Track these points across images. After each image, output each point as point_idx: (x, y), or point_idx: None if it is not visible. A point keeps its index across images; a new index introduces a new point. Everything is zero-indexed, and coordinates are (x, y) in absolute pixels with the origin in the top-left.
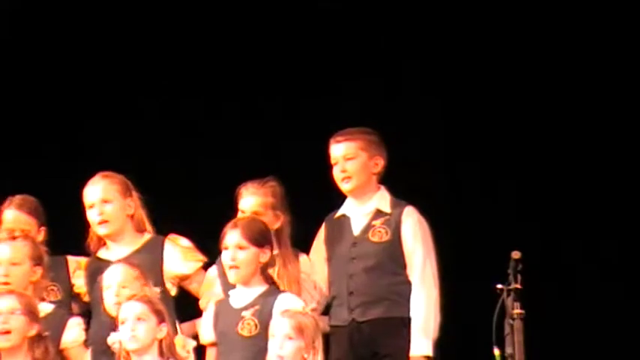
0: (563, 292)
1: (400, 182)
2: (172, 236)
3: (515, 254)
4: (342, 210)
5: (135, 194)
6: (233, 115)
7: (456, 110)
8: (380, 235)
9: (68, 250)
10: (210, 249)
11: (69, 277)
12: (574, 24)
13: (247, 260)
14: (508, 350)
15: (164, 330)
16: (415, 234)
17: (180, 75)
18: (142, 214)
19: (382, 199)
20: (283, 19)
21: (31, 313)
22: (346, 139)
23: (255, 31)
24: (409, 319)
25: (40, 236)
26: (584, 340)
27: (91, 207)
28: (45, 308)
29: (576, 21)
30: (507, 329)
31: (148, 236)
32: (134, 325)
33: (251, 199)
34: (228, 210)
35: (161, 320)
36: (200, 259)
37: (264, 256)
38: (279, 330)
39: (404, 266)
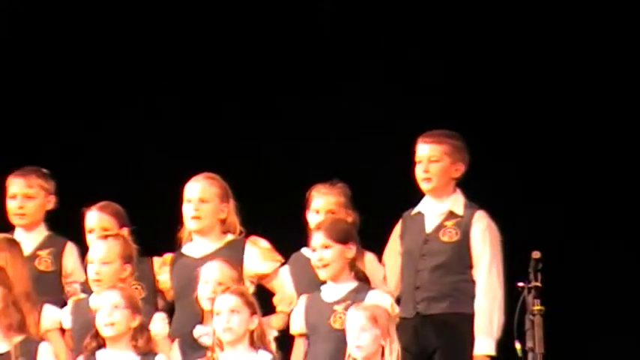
0: (581, 289)
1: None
2: (253, 238)
3: (536, 254)
4: (419, 207)
5: (231, 201)
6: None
7: (470, 108)
8: (450, 235)
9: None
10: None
11: (154, 276)
12: (571, 24)
13: (334, 257)
14: (529, 344)
15: (256, 321)
16: (484, 237)
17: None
18: (235, 220)
19: (456, 202)
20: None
21: (133, 307)
22: (433, 141)
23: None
24: (470, 316)
25: None
26: (601, 335)
27: (188, 202)
28: None
29: (573, 20)
30: (528, 324)
31: (230, 237)
32: (229, 317)
33: (325, 199)
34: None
35: (253, 312)
36: (278, 259)
37: (350, 251)
38: (354, 323)
39: (470, 266)
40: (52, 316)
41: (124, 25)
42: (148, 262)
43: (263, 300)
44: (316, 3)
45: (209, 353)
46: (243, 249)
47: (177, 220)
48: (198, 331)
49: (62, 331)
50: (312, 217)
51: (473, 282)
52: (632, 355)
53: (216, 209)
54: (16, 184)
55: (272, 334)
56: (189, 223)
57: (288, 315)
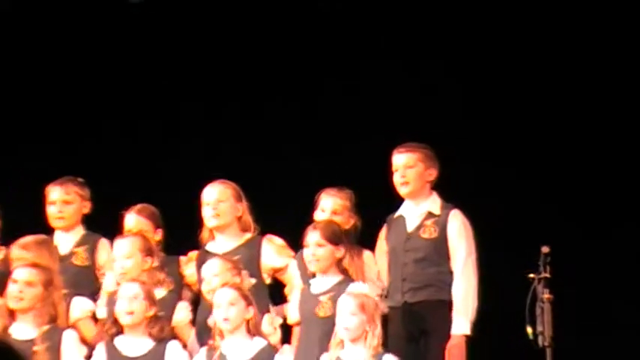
0: (586, 280)
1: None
2: (269, 236)
3: (545, 249)
4: (400, 211)
5: (244, 201)
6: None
7: (486, 108)
8: (429, 232)
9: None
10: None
11: (180, 272)
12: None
13: (325, 255)
14: (539, 328)
15: (251, 312)
16: (460, 233)
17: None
18: (248, 218)
19: (433, 203)
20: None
21: (150, 298)
22: (407, 150)
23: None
24: (450, 302)
25: (157, 236)
26: (604, 320)
27: (207, 204)
28: (159, 294)
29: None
30: (538, 311)
31: (248, 235)
32: (227, 309)
33: (332, 200)
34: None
35: (249, 304)
36: (291, 255)
37: (339, 252)
38: (345, 307)
39: (448, 259)
40: (82, 307)
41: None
42: (175, 261)
43: (278, 291)
44: (316, 3)
45: (211, 341)
46: (260, 246)
47: (197, 223)
48: (211, 320)
49: (95, 320)
50: (318, 215)
51: (451, 272)
52: (633, 336)
53: (232, 208)
54: (55, 192)
55: (277, 321)
56: (210, 222)
57: None
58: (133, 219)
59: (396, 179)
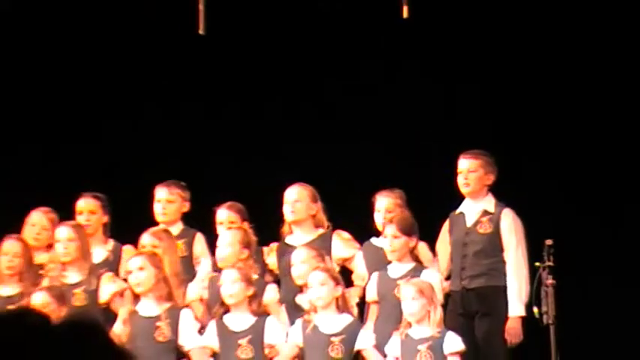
0: (584, 267)
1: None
2: (338, 231)
3: (548, 242)
4: (460, 208)
5: (319, 202)
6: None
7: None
8: (485, 228)
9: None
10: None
11: (263, 260)
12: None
13: (400, 246)
14: (544, 309)
15: (339, 290)
16: (510, 228)
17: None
18: (322, 216)
19: (489, 203)
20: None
21: (247, 280)
22: (471, 157)
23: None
24: (502, 288)
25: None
26: (600, 302)
27: (287, 203)
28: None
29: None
30: (543, 294)
31: (321, 230)
32: (318, 288)
33: (385, 201)
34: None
35: (337, 283)
36: (356, 246)
37: (412, 242)
38: (407, 294)
39: (501, 250)
40: (194, 291)
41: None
42: (259, 251)
43: (345, 277)
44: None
45: (306, 316)
46: (330, 239)
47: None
48: (300, 299)
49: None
50: (376, 215)
51: (504, 262)
52: (624, 315)
53: (307, 207)
54: (161, 192)
55: (354, 300)
56: (287, 216)
57: (362, 288)
58: (224, 213)
59: (460, 180)
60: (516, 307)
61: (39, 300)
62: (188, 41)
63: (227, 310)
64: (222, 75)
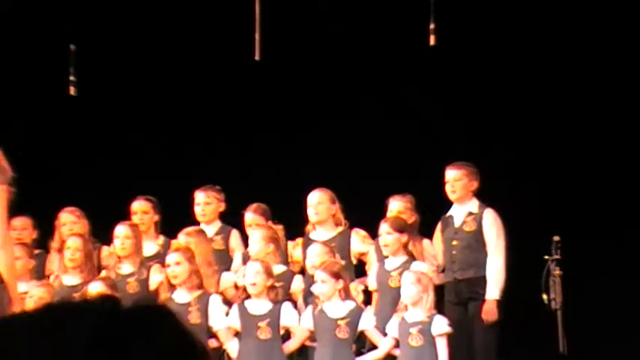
0: (587, 260)
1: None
2: (355, 229)
3: (556, 238)
4: (450, 212)
5: (337, 204)
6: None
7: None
8: (470, 226)
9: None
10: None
11: (287, 253)
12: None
13: (392, 241)
14: (552, 296)
15: (341, 283)
16: (491, 225)
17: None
18: (340, 216)
19: (473, 205)
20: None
21: (268, 272)
22: (456, 167)
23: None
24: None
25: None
26: (601, 290)
27: (310, 206)
28: (279, 269)
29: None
30: (551, 283)
31: (340, 228)
32: (321, 285)
33: (397, 204)
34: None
35: (337, 278)
36: (371, 243)
37: (403, 238)
38: (407, 280)
39: (484, 245)
40: (227, 279)
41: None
42: (286, 245)
43: (361, 268)
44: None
45: (317, 300)
46: (349, 236)
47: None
48: (313, 288)
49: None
50: (389, 215)
51: (487, 255)
52: (623, 305)
53: (327, 208)
54: (199, 196)
55: (360, 287)
56: (311, 218)
57: None
58: (250, 216)
59: (448, 189)
60: (493, 292)
61: (95, 289)
62: (245, 67)
63: (248, 297)
64: (270, 94)
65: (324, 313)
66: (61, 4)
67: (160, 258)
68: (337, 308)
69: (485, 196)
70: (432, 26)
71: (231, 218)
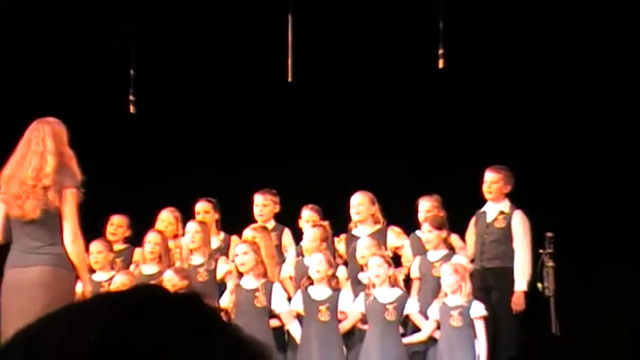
0: (577, 253)
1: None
2: (392, 227)
3: (549, 234)
4: (484, 208)
5: (376, 204)
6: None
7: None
8: (500, 223)
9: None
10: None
11: (334, 247)
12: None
13: (433, 237)
14: (545, 285)
15: (391, 271)
16: (519, 225)
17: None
18: (379, 215)
19: (505, 205)
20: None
21: (329, 263)
22: (494, 171)
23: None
24: (511, 269)
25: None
26: (591, 279)
27: (353, 206)
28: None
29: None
30: (545, 274)
31: (378, 226)
32: (376, 269)
33: (425, 204)
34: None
35: (390, 265)
36: (405, 238)
37: (443, 234)
38: (446, 271)
39: (512, 240)
40: (286, 271)
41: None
42: (332, 240)
43: (396, 260)
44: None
45: (366, 290)
46: (386, 233)
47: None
48: (361, 276)
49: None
50: (420, 215)
51: (513, 250)
52: (609, 293)
53: (367, 209)
54: (257, 199)
55: (401, 277)
56: (353, 217)
57: (408, 268)
58: (307, 213)
59: (485, 189)
60: (521, 284)
61: (167, 277)
62: (279, 88)
63: (311, 283)
64: (302, 112)
65: (375, 299)
66: (123, 35)
67: (220, 251)
68: (386, 294)
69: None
70: (440, 51)
71: (284, 217)
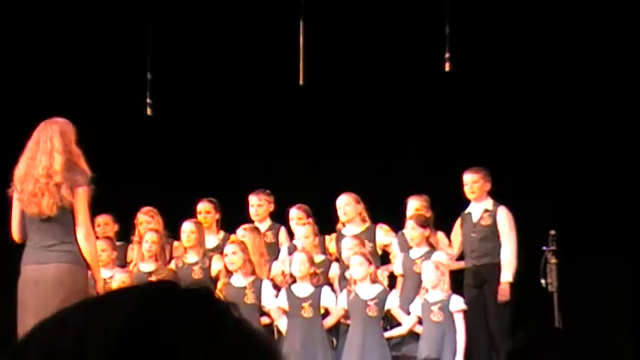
0: (578, 251)
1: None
2: (380, 224)
3: (552, 232)
4: (468, 209)
5: (362, 204)
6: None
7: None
8: (486, 221)
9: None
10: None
11: (324, 245)
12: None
13: (417, 235)
14: (549, 281)
15: (372, 268)
16: (504, 220)
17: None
18: (365, 214)
19: (488, 203)
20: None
21: (311, 261)
22: (473, 172)
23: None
24: (500, 264)
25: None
26: (591, 276)
27: (339, 208)
28: (318, 259)
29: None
30: (548, 270)
31: (367, 224)
32: (358, 267)
33: (414, 203)
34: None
35: (370, 263)
36: (393, 235)
37: (426, 232)
38: (427, 267)
39: (498, 236)
40: (277, 267)
41: None
42: (323, 238)
43: (385, 257)
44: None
45: (349, 286)
46: (374, 231)
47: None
48: (347, 273)
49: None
50: (408, 213)
51: (500, 245)
52: (608, 288)
53: (354, 208)
54: (252, 199)
55: (385, 273)
56: (341, 217)
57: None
58: (295, 212)
59: (467, 190)
60: (506, 276)
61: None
62: (290, 91)
63: (294, 281)
64: (312, 114)
65: (357, 295)
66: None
67: (220, 250)
68: (367, 290)
69: (495, 198)
70: (447, 54)
71: (279, 216)
